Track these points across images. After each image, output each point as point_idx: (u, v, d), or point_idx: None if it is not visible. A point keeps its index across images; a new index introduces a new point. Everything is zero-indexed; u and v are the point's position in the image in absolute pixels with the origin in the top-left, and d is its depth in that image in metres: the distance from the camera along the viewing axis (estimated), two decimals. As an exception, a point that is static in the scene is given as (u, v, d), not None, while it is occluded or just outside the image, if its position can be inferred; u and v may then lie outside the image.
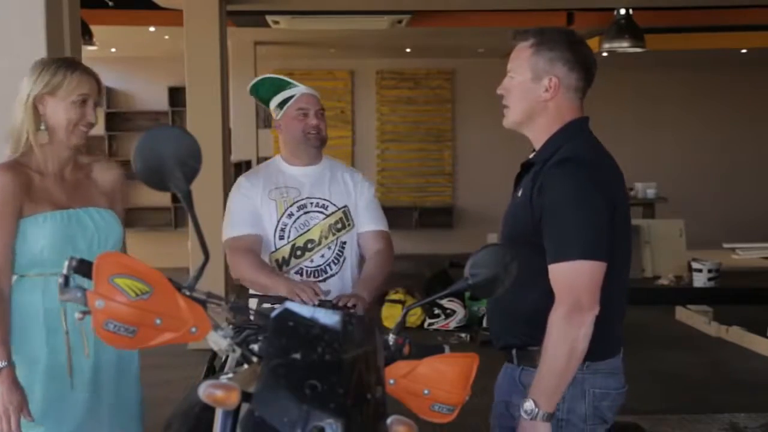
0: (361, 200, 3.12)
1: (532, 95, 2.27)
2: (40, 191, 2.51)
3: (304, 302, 2.54)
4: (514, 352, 2.32)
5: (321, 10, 8.49)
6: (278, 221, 3.02)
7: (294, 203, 3.04)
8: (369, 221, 3.10)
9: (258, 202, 3.04)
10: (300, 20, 8.79)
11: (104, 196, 2.67)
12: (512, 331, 2.33)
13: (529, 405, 2.15)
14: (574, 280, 2.12)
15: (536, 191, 2.21)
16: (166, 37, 9.46)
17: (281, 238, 3.01)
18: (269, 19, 8.67)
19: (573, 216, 2.14)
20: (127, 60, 11.03)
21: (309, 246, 3.01)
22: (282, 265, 3.01)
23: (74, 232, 2.52)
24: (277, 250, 3.02)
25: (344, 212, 3.06)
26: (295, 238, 3.01)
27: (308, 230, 3.01)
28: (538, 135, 2.31)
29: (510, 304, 2.27)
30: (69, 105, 2.53)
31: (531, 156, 2.35)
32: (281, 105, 3.12)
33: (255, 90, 3.21)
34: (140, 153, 1.80)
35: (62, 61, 2.59)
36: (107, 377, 2.54)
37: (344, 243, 3.08)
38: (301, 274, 3.00)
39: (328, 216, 3.04)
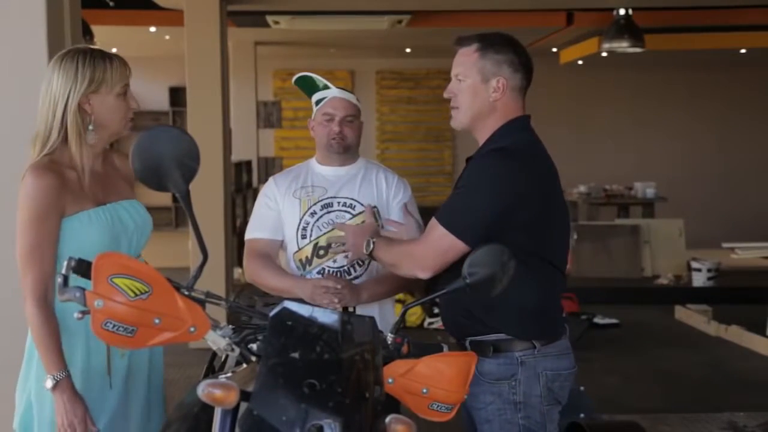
0: (394, 203, 3.03)
1: (481, 96, 2.41)
2: (78, 188, 2.37)
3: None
4: (467, 342, 2.41)
5: (321, 10, 8.49)
6: (300, 219, 2.95)
7: (318, 202, 2.96)
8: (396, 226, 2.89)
9: (281, 204, 2.99)
10: (300, 20, 8.79)
11: (129, 186, 2.57)
12: (465, 322, 2.42)
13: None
14: (434, 241, 2.34)
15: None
16: (167, 37, 9.46)
17: (303, 237, 2.94)
18: (269, 19, 8.67)
19: (466, 192, 2.34)
20: (127, 60, 10.93)
21: (333, 246, 2.91)
22: (305, 264, 2.94)
23: (119, 232, 2.42)
24: (300, 249, 2.95)
25: (373, 213, 2.93)
26: (317, 237, 2.93)
27: (332, 229, 2.91)
28: (486, 134, 2.44)
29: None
30: (115, 98, 2.39)
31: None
32: (315, 105, 3.05)
33: (301, 82, 3.09)
34: (139, 153, 1.81)
35: (92, 53, 2.41)
36: (140, 378, 2.51)
37: None
38: (323, 275, 2.91)
39: (354, 216, 2.94)
